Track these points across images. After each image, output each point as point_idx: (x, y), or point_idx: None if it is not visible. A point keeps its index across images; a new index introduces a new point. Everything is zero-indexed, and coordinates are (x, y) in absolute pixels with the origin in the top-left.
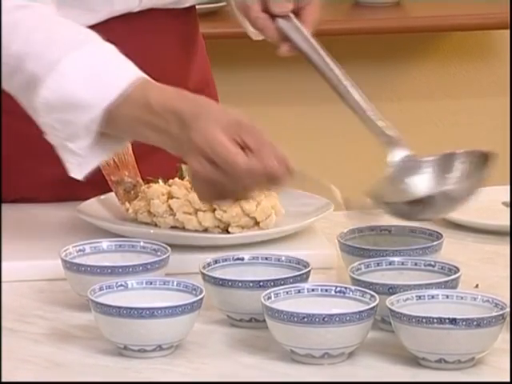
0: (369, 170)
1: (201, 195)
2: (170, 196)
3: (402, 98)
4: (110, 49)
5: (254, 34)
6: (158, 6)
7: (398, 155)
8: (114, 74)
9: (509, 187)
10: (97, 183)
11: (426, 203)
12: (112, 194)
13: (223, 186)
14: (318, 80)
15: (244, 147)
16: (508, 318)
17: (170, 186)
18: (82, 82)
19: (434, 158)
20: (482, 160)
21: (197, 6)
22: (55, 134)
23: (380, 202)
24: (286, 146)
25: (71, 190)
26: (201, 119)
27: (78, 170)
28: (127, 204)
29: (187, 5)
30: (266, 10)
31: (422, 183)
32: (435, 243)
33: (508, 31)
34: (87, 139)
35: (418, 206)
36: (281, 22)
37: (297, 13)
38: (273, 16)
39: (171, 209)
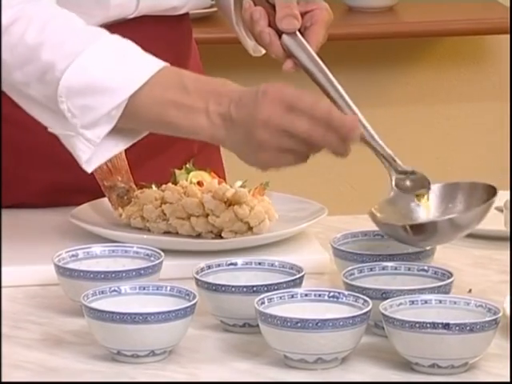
0: (366, 172)
1: (262, 156)
2: (163, 201)
3: (395, 102)
4: (128, 41)
5: (253, 50)
6: (153, 12)
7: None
8: (140, 61)
9: (508, 192)
10: (89, 188)
11: (428, 230)
12: (105, 200)
13: (295, 130)
14: (311, 85)
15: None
16: (509, 324)
17: (163, 191)
18: (108, 68)
19: (437, 186)
20: (485, 193)
21: (190, 12)
22: (73, 121)
23: (379, 223)
24: None
25: (64, 196)
26: (254, 92)
27: (89, 160)
28: (120, 209)
29: (182, 12)
30: (271, 25)
31: (422, 211)
32: (428, 248)
33: (501, 36)
34: (106, 127)
35: (420, 231)
36: (286, 39)
37: (302, 31)
38: (279, 32)
39: (164, 214)
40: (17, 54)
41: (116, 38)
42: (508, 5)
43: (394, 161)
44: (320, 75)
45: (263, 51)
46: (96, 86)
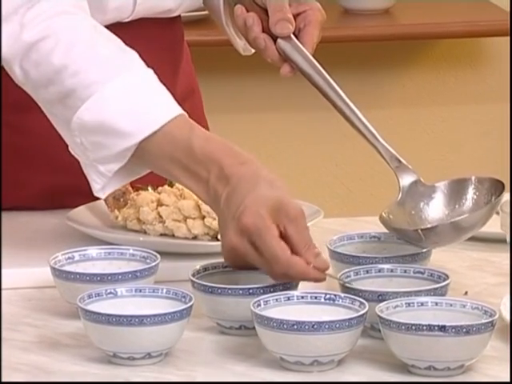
0: (362, 175)
1: (228, 260)
2: (160, 203)
3: (391, 105)
4: (152, 76)
5: (243, 49)
6: (149, 15)
7: (407, 181)
8: (155, 106)
9: (508, 194)
10: (86, 191)
11: (436, 232)
12: (101, 202)
13: (256, 264)
14: (305, 87)
15: (284, 236)
16: (505, 326)
17: (159, 193)
18: (123, 110)
19: (443, 184)
20: (493, 187)
21: (183, 14)
22: (86, 153)
23: (390, 227)
24: (272, 152)
25: (60, 198)
26: (249, 188)
27: (102, 190)
28: (116, 211)
29: (176, 14)
30: (265, 30)
31: (431, 210)
32: (424, 250)
33: (497, 38)
34: (118, 164)
35: (428, 233)
36: (281, 43)
37: (296, 34)
38: (273, 36)
39: (160, 216)
40: (42, 73)
41: (139, 71)
42: (504, 7)
43: (400, 162)
44: (318, 77)
45: (253, 50)
46: (108, 126)
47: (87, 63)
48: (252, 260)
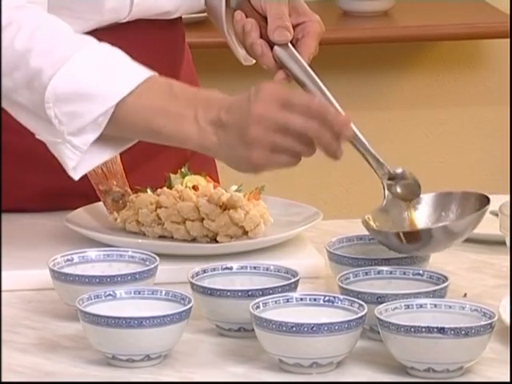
0: (361, 177)
1: (255, 156)
2: (159, 205)
3: (390, 107)
4: (117, 49)
5: (244, 59)
6: (147, 16)
7: (393, 189)
8: (128, 69)
9: (509, 197)
10: (85, 193)
11: (422, 238)
12: (100, 204)
13: (289, 126)
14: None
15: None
16: (504, 328)
17: (158, 195)
18: (96, 75)
19: (428, 196)
20: (478, 201)
21: (184, 16)
22: (60, 128)
23: (371, 229)
24: None
25: (59, 200)
26: (244, 96)
27: (76, 168)
28: (115, 213)
29: (175, 16)
30: (263, 36)
31: (417, 218)
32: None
33: (496, 41)
34: (93, 134)
35: (413, 239)
36: (278, 50)
37: (294, 44)
38: (270, 43)
39: (159, 218)
40: (6, 61)
41: (104, 45)
42: (503, 9)
43: (383, 167)
44: (312, 86)
45: (254, 61)
46: (83, 92)
47: (51, 43)
48: (284, 119)
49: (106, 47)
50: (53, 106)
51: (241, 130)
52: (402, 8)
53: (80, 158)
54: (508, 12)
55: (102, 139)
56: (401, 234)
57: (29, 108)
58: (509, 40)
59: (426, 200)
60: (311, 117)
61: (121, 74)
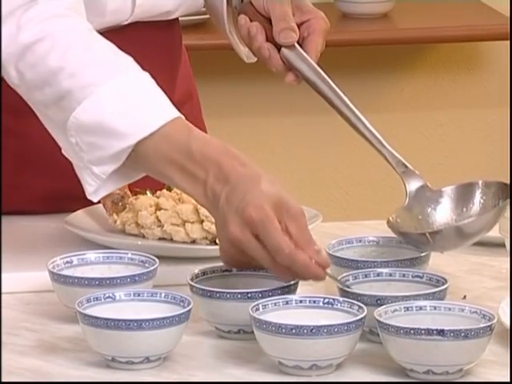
0: (361, 179)
1: (227, 258)
2: (158, 207)
3: (389, 109)
4: (149, 79)
5: (247, 57)
6: (148, 18)
7: (414, 186)
8: (153, 108)
9: (508, 200)
10: (84, 195)
11: (443, 235)
12: (100, 206)
13: (257, 259)
14: (304, 91)
15: (286, 233)
16: (504, 330)
17: (157, 197)
18: (120, 110)
19: (450, 189)
20: (500, 191)
21: (182, 18)
22: (81, 155)
23: (397, 232)
24: (270, 157)
25: (59, 202)
26: (250, 185)
27: (96, 192)
28: (115, 215)
29: (175, 16)
30: (269, 39)
31: (438, 215)
32: (423, 254)
33: (495, 43)
34: (112, 166)
35: (435, 236)
36: (285, 52)
37: (300, 42)
38: (277, 45)
39: (159, 220)
40: (38, 75)
41: (135, 74)
42: (503, 11)
43: (406, 167)
44: (323, 85)
45: (256, 58)
46: (105, 126)
47: (83, 65)
48: (254, 252)
49: (136, 77)
50: (75, 133)
51: (225, 224)
52: (401, 10)
53: (99, 185)
54: (507, 14)
55: (122, 166)
56: (427, 235)
57: (58, 124)
58: (508, 42)
59: (448, 193)
60: (278, 262)
61: (144, 113)
